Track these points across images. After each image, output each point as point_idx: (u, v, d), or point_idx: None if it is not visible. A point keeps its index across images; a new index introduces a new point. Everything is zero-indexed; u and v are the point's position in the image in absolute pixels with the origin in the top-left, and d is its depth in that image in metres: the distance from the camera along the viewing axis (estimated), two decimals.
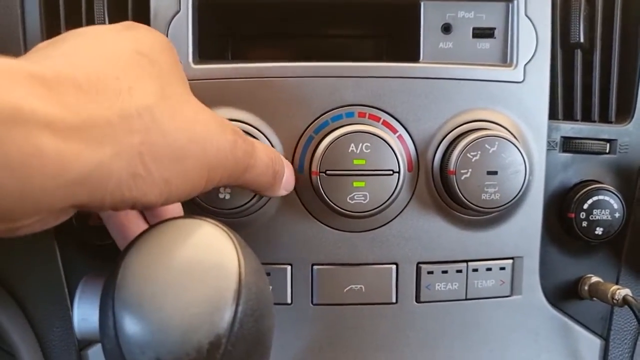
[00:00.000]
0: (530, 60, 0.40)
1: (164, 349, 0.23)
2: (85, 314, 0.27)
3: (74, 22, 0.40)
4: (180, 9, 0.38)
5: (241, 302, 0.24)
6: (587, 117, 0.43)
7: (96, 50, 0.25)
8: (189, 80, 0.37)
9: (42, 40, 0.40)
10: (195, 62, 0.38)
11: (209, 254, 0.26)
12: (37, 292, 0.42)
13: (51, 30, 0.40)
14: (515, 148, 0.37)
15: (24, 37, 0.40)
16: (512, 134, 0.39)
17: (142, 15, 0.39)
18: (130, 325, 0.23)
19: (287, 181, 0.35)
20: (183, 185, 0.26)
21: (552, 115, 0.42)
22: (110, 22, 0.40)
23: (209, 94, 0.38)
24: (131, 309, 0.24)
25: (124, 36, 0.27)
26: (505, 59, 0.40)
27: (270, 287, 0.29)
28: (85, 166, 0.21)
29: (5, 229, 0.21)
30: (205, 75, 0.38)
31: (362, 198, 0.37)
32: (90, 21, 0.40)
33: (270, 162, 0.33)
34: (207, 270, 0.25)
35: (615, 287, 0.41)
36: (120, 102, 0.23)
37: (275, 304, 0.38)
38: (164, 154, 0.24)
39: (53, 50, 0.25)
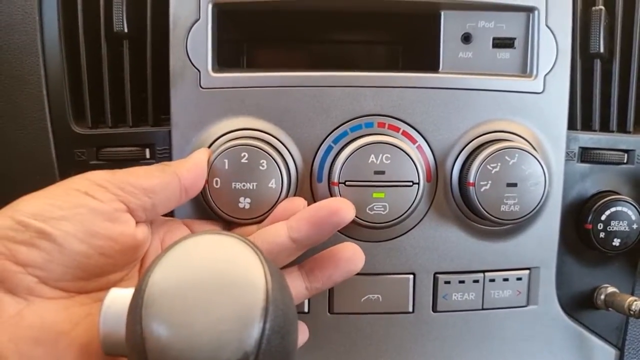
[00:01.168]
0: (550, 70, 0.39)
1: None
2: (111, 329, 0.27)
3: (92, 31, 0.40)
4: (199, 17, 0.38)
5: (269, 319, 0.24)
6: (605, 128, 0.43)
7: None
8: (207, 89, 0.38)
9: (61, 47, 0.40)
10: (215, 70, 0.38)
11: (235, 269, 0.25)
12: None
13: (69, 36, 0.40)
14: (536, 160, 0.37)
15: (42, 45, 0.40)
16: (531, 145, 0.39)
17: (161, 25, 0.39)
18: (159, 342, 0.23)
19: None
20: None
21: (571, 126, 0.41)
22: (129, 29, 0.40)
23: (228, 103, 0.38)
24: (160, 325, 0.24)
25: None
26: (525, 69, 0.40)
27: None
28: None
29: None
30: (225, 84, 0.38)
31: (382, 209, 0.37)
32: (109, 29, 0.40)
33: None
34: (234, 287, 0.25)
35: (632, 298, 0.41)
36: None
37: None
38: None
39: None
